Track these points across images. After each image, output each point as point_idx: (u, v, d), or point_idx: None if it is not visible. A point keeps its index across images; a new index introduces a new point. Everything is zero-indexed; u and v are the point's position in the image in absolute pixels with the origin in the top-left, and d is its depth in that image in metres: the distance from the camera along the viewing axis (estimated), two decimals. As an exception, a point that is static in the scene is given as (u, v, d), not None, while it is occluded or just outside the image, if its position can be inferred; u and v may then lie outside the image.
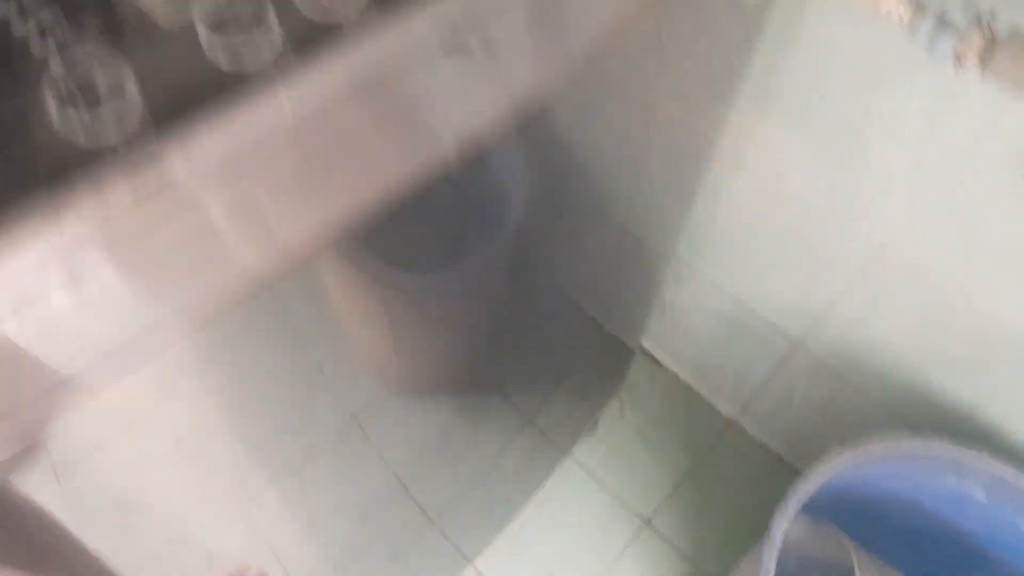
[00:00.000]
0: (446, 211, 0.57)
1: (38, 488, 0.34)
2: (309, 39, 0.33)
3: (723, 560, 1.16)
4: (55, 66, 0.29)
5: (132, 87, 0.29)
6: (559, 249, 0.75)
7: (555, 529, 1.18)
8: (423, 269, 0.61)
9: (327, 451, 0.65)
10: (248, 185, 0.32)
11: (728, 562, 1.10)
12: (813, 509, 0.92)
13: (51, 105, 0.28)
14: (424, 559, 0.86)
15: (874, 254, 0.84)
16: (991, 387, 0.86)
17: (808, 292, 0.96)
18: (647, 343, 1.33)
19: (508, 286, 0.73)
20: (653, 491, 1.23)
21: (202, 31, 0.31)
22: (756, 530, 0.86)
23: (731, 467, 1.25)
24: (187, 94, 0.30)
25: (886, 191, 0.78)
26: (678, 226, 1.03)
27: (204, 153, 0.30)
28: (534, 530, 1.18)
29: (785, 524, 0.79)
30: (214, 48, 0.31)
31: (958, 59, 0.58)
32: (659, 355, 1.33)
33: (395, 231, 0.52)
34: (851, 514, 0.93)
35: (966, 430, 0.90)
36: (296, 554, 0.67)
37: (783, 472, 1.22)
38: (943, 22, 0.58)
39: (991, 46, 0.56)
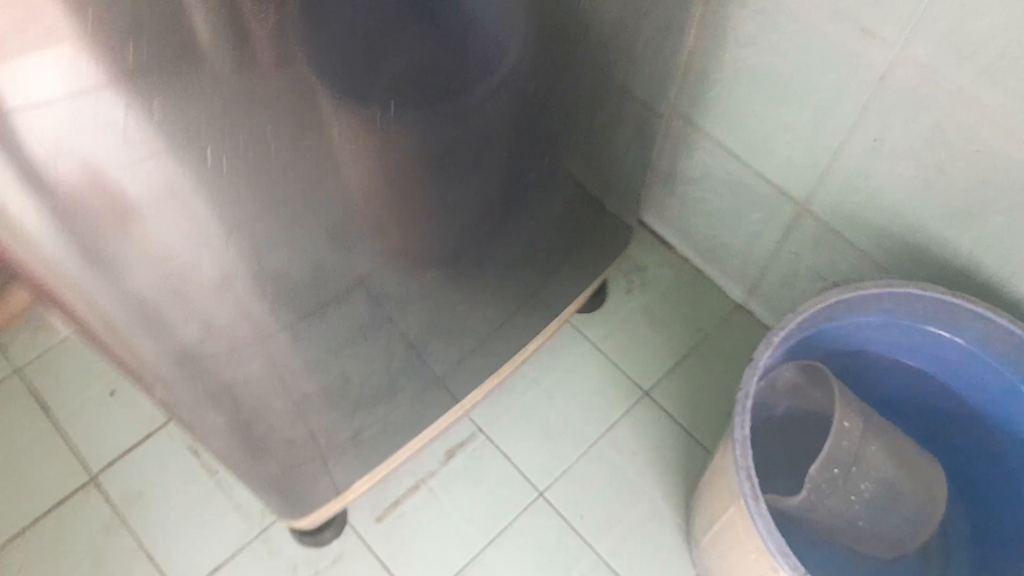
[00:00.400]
0: (438, 49, 0.57)
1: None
2: None
3: (719, 433, 1.17)
4: None
5: None
6: (553, 115, 0.75)
7: (556, 392, 1.20)
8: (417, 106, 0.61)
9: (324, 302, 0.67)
10: None
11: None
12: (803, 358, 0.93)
13: None
14: (413, 395, 0.88)
15: (875, 88, 0.83)
16: (989, 236, 0.85)
17: (812, 143, 0.95)
18: (658, 226, 1.34)
19: (502, 150, 0.73)
20: (655, 366, 1.24)
21: None
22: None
23: (735, 348, 1.25)
24: None
25: (885, 10, 0.77)
26: (678, 77, 1.02)
27: None
28: (535, 392, 1.20)
29: (767, 350, 0.80)
30: None
31: None
32: (670, 238, 1.33)
33: (386, 74, 0.53)
34: (841, 370, 0.93)
35: (964, 288, 0.89)
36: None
37: (786, 352, 1.21)
38: None
39: None
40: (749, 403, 0.78)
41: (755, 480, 0.74)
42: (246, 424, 0.67)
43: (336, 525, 1.08)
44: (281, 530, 1.10)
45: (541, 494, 1.13)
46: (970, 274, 0.89)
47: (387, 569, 1.08)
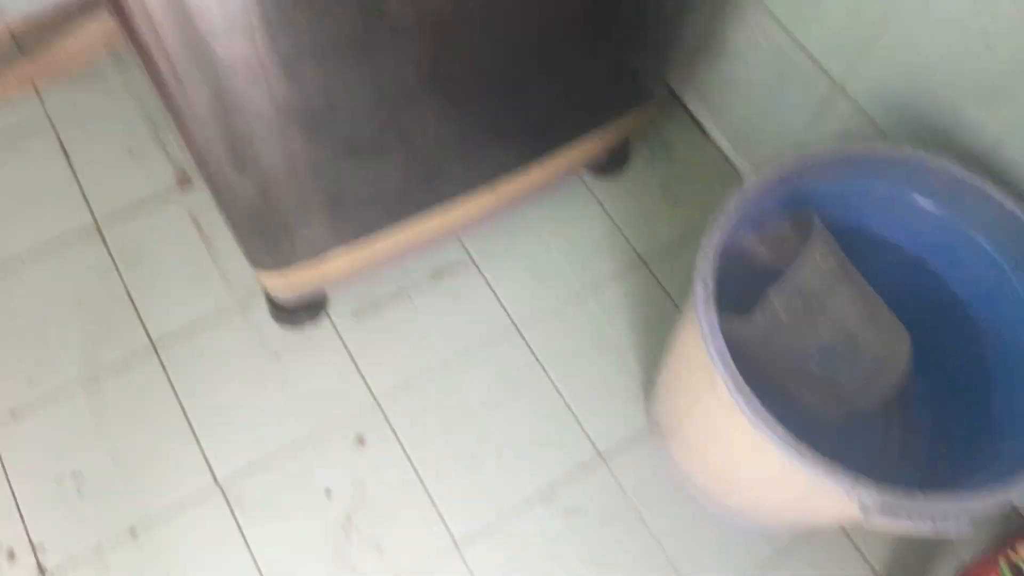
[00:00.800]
0: None
1: None
2: None
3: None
4: None
5: None
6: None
7: (553, 241, 1.21)
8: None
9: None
10: None
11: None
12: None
13: None
14: (400, 166, 0.89)
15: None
16: (1018, 117, 0.82)
17: (859, 8, 0.92)
18: (694, 105, 1.32)
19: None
20: (659, 238, 1.23)
21: None
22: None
23: (743, 239, 1.23)
24: None
25: None
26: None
27: None
28: (534, 237, 1.21)
29: (758, 180, 0.78)
30: None
31: None
32: (704, 120, 1.31)
33: None
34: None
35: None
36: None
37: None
38: None
39: None
40: (724, 219, 0.77)
41: (710, 286, 0.74)
42: (226, 113, 0.68)
43: (313, 310, 1.11)
44: (261, 307, 1.13)
45: (516, 327, 1.14)
46: (991, 162, 0.86)
47: (354, 360, 1.11)
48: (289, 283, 0.99)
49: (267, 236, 0.90)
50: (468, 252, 1.19)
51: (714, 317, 0.72)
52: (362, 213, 0.93)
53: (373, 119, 0.79)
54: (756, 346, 0.82)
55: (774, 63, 1.09)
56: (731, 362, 0.69)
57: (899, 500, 0.66)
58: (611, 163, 1.26)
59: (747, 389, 0.69)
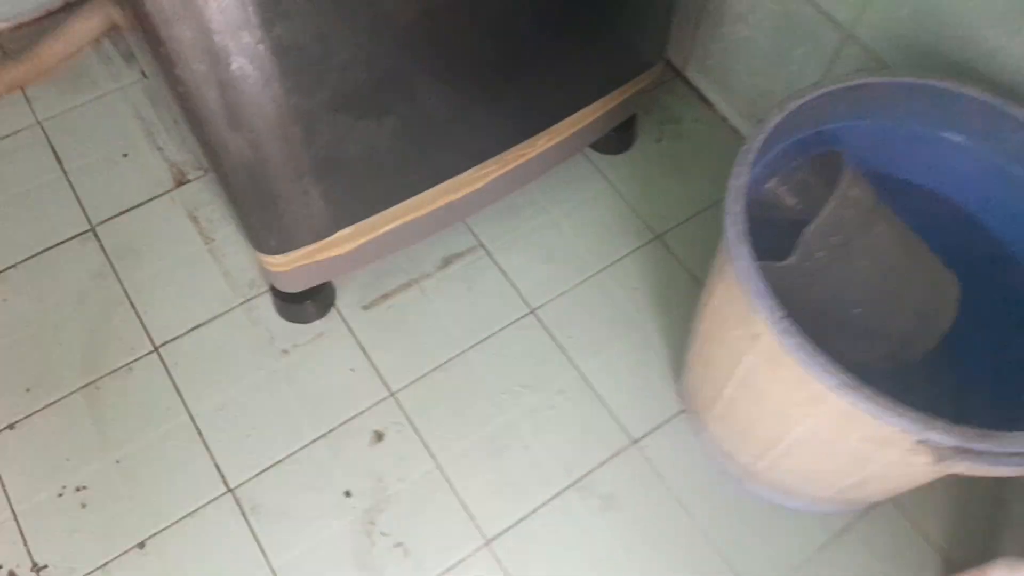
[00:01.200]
0: None
1: None
2: None
3: (730, 283, 1.11)
4: None
5: None
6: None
7: (564, 222, 1.17)
8: None
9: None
10: None
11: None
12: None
13: None
14: (401, 132, 0.85)
15: None
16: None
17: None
18: (700, 81, 1.29)
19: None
20: (672, 213, 1.19)
21: None
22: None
23: (760, 210, 1.19)
24: None
25: None
26: None
27: None
28: (544, 219, 1.17)
29: (779, 115, 0.74)
30: None
31: None
32: (710, 94, 1.28)
33: None
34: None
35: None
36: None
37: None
38: None
39: None
40: (751, 157, 0.73)
41: (742, 227, 0.69)
42: (214, 56, 0.65)
43: (320, 303, 1.06)
44: (267, 305, 1.08)
45: (533, 311, 1.10)
46: (1020, 92, 0.82)
47: (366, 354, 1.06)
48: (294, 268, 0.94)
49: (268, 212, 0.85)
50: (477, 238, 1.15)
51: (750, 255, 0.67)
52: (364, 188, 0.89)
53: (366, 73, 0.75)
54: (795, 295, 0.77)
55: (779, 20, 1.06)
56: (775, 301, 0.64)
57: (977, 441, 0.61)
58: (618, 141, 1.22)
59: (795, 328, 0.64)
